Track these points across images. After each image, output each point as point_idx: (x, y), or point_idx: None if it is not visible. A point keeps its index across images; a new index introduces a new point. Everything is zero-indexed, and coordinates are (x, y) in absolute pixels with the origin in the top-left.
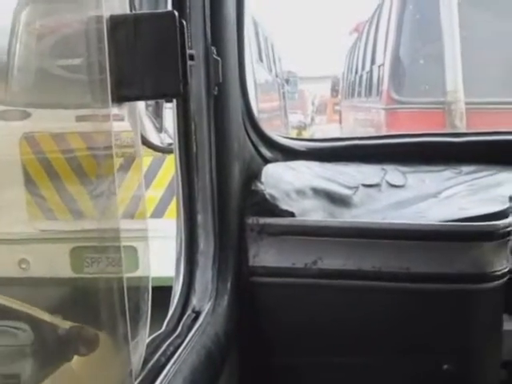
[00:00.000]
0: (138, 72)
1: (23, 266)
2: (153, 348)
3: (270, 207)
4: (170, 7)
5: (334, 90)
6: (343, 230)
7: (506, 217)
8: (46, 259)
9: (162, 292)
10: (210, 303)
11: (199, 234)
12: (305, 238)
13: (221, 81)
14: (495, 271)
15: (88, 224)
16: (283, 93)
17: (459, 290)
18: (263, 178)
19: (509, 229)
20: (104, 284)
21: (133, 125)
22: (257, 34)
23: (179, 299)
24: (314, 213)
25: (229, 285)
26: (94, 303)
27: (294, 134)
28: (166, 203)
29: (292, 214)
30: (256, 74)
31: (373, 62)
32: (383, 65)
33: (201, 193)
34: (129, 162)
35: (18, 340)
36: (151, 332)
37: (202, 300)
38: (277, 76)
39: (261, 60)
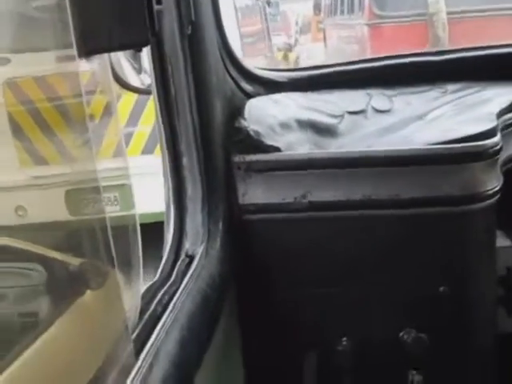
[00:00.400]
0: (103, 23)
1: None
2: (148, 298)
3: (255, 143)
4: None
5: (317, 9)
6: (330, 161)
7: (495, 135)
8: (42, 204)
9: (158, 227)
10: (202, 246)
11: (186, 178)
12: (292, 172)
13: (194, 19)
14: (486, 191)
15: (78, 166)
16: (265, 15)
17: (451, 213)
18: (246, 114)
19: (498, 147)
20: (97, 225)
21: (104, 75)
22: None
23: (172, 245)
24: (300, 145)
25: (220, 226)
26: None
27: (279, 55)
28: (155, 139)
29: (278, 149)
30: None
31: None
32: None
33: (183, 135)
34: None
35: (32, 280)
36: (149, 270)
37: (194, 244)
38: None
39: None
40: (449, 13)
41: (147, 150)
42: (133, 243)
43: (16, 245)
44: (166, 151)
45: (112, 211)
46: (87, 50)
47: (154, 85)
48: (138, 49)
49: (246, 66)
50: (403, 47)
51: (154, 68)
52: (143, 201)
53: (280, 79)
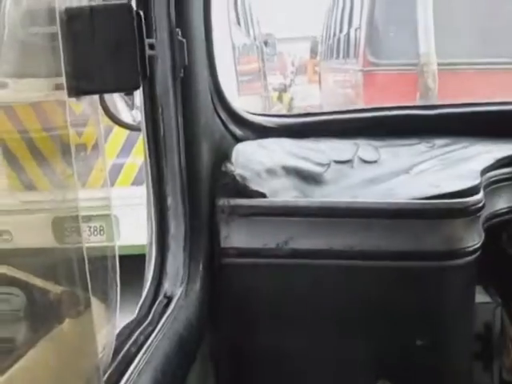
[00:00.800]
0: (96, 66)
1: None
2: (124, 337)
3: (240, 188)
4: None
5: (314, 52)
6: (313, 209)
7: (478, 192)
8: (29, 230)
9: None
10: (181, 287)
11: (169, 218)
12: (276, 218)
13: (187, 63)
14: (467, 247)
15: (68, 194)
16: (262, 55)
17: (431, 267)
18: (233, 158)
19: (480, 204)
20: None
21: (93, 115)
22: None
23: (151, 284)
24: (285, 192)
25: (200, 268)
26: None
27: (274, 96)
28: None
29: (263, 195)
30: (234, 37)
31: (350, 24)
32: (360, 28)
33: (170, 176)
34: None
35: (11, 305)
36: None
37: (173, 285)
38: (255, 39)
39: (238, 23)
40: (439, 64)
41: (137, 182)
42: (111, 277)
43: None
44: (151, 190)
45: (97, 241)
46: (78, 91)
47: (143, 124)
48: (128, 92)
49: (236, 109)
50: (394, 94)
51: (145, 108)
52: (131, 232)
53: (269, 124)
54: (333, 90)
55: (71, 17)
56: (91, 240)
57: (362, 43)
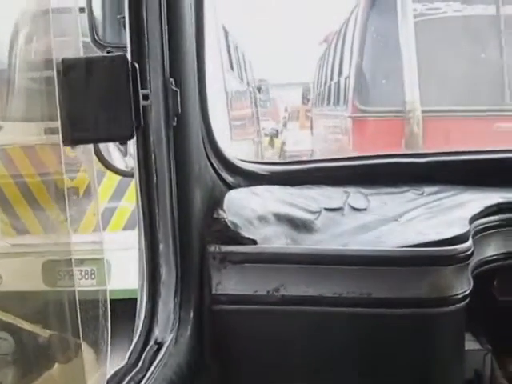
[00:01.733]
0: (91, 115)
1: None
2: (114, 383)
3: (232, 235)
4: (128, 35)
5: (305, 98)
6: (304, 256)
7: (466, 240)
8: (19, 273)
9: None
10: (172, 334)
11: (161, 264)
12: (267, 265)
13: (180, 111)
14: (456, 295)
15: (61, 238)
16: (255, 100)
17: (421, 314)
18: (225, 205)
19: (469, 252)
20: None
21: (87, 161)
22: (227, 43)
23: (142, 330)
24: (276, 239)
25: (191, 314)
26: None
27: (266, 141)
28: None
29: (254, 242)
30: (227, 82)
31: (340, 73)
32: (349, 77)
33: (162, 222)
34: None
35: (0, 349)
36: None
37: (164, 331)
38: (248, 84)
39: (231, 69)
40: (423, 111)
41: (129, 226)
42: (102, 322)
43: None
44: (142, 236)
45: (88, 285)
46: (73, 139)
47: (136, 171)
48: (122, 141)
49: (228, 156)
50: (381, 139)
51: (138, 155)
52: (121, 276)
53: (261, 171)
54: (324, 136)
55: (68, 67)
56: (82, 284)
57: (351, 91)
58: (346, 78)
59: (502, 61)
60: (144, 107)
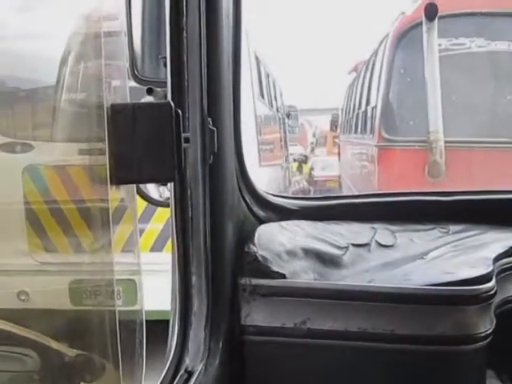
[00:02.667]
0: (136, 158)
1: (22, 297)
2: None
3: (262, 268)
4: (169, 75)
5: (334, 125)
6: (331, 292)
7: (490, 280)
8: (46, 291)
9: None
10: (202, 363)
11: (193, 295)
12: (294, 299)
13: (216, 150)
14: (478, 333)
15: (86, 257)
16: (284, 127)
17: (443, 351)
18: (256, 240)
19: (492, 292)
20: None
21: (130, 202)
22: (259, 71)
23: (173, 359)
24: (304, 273)
25: (221, 344)
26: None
27: (294, 166)
28: (165, 237)
29: (283, 276)
30: (257, 110)
31: (367, 103)
32: (376, 107)
33: (195, 255)
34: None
35: (26, 366)
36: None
37: (194, 360)
38: (278, 111)
39: (262, 96)
40: (446, 142)
41: (156, 248)
42: (137, 343)
43: (11, 329)
44: (176, 268)
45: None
46: (118, 180)
47: (172, 204)
48: (163, 183)
49: (260, 192)
50: (406, 168)
51: (175, 190)
52: (149, 298)
53: (291, 206)
54: (351, 162)
55: (115, 112)
56: (107, 304)
57: (378, 121)
58: (373, 108)
59: None
60: (184, 150)
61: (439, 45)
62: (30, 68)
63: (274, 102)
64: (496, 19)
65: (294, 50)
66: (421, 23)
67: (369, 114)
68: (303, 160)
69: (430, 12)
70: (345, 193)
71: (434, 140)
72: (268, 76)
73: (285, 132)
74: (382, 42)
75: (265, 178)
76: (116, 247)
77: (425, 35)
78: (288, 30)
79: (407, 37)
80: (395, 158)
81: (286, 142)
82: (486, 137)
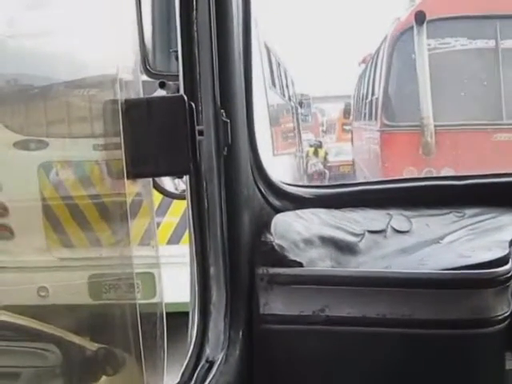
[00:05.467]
0: (151, 151)
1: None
2: None
3: (279, 257)
4: (181, 69)
5: (347, 113)
6: (348, 278)
7: (507, 263)
8: (65, 287)
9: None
10: (222, 352)
11: (211, 286)
12: (312, 286)
13: (230, 142)
14: (496, 316)
15: (104, 252)
16: (296, 115)
17: (461, 335)
18: (272, 229)
19: (509, 275)
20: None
21: (146, 196)
22: (270, 60)
23: (193, 349)
24: (321, 261)
25: (240, 333)
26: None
27: (310, 151)
28: (181, 230)
29: (300, 264)
30: (269, 98)
31: (373, 93)
32: (378, 98)
33: (212, 246)
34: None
35: (48, 361)
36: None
37: (215, 350)
38: (290, 99)
39: (273, 85)
40: (436, 125)
41: (173, 241)
42: (158, 335)
43: (32, 325)
44: (194, 260)
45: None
46: (135, 174)
47: (188, 197)
48: (179, 176)
49: (275, 181)
50: (403, 148)
51: (191, 183)
52: (167, 290)
53: (306, 195)
54: (362, 147)
55: (130, 106)
56: (126, 297)
57: (379, 109)
58: (376, 98)
59: (500, 85)
60: (199, 142)
61: (429, 44)
62: (42, 65)
63: (285, 91)
64: (476, 21)
65: (307, 38)
66: (413, 27)
67: (373, 104)
68: (319, 145)
69: (419, 18)
70: (358, 175)
71: (426, 124)
72: (279, 65)
73: (297, 121)
74: (382, 41)
75: (279, 167)
76: (134, 240)
77: (416, 37)
78: (301, 19)
79: (402, 38)
80: (395, 141)
81: (299, 130)
82: (470, 120)
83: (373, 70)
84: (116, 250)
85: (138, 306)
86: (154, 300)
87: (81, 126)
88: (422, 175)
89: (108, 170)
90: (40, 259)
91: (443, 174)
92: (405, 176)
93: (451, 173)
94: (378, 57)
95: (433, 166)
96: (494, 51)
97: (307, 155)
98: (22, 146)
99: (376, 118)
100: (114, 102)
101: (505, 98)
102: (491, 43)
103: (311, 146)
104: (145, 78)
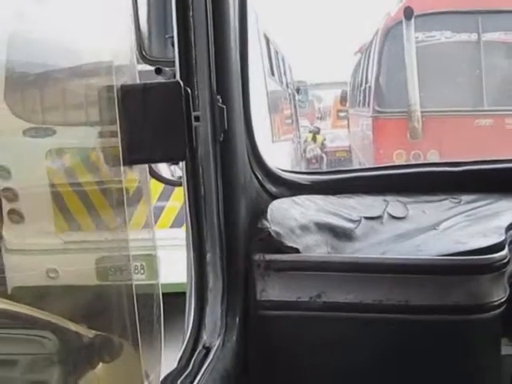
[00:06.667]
0: (147, 137)
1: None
2: None
3: (275, 244)
4: (177, 55)
5: (344, 100)
6: (345, 264)
7: (503, 249)
8: (73, 268)
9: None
10: (219, 339)
11: (208, 272)
12: (309, 273)
13: (226, 127)
14: (492, 301)
15: (108, 235)
16: (294, 102)
17: (457, 321)
18: (269, 215)
19: (505, 261)
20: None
21: (143, 180)
22: (268, 49)
23: (190, 335)
24: (317, 247)
25: (237, 320)
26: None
27: (309, 136)
28: (184, 213)
29: (297, 250)
30: (268, 86)
31: (366, 82)
32: (370, 86)
33: (209, 233)
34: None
35: (45, 348)
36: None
37: (212, 336)
38: (287, 86)
39: (272, 74)
40: (422, 111)
41: (176, 224)
42: (155, 315)
43: (29, 312)
44: (191, 246)
45: (138, 279)
46: (130, 160)
47: (184, 183)
48: (175, 162)
49: (272, 168)
50: (393, 133)
51: (187, 169)
52: (169, 272)
53: (303, 181)
54: (357, 133)
55: (126, 92)
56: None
57: (372, 97)
58: (369, 87)
59: (481, 74)
60: (195, 128)
61: (416, 37)
62: (42, 52)
63: (283, 78)
64: (459, 16)
65: (306, 27)
66: (402, 21)
67: (367, 91)
68: (317, 131)
69: (408, 13)
70: (354, 160)
71: (413, 110)
72: (277, 53)
73: (295, 107)
74: (375, 34)
75: (278, 152)
76: (138, 224)
77: (404, 31)
78: (300, 8)
79: (392, 32)
80: (385, 126)
81: (296, 117)
82: (454, 107)
83: (366, 60)
84: (120, 233)
85: (134, 288)
86: (157, 281)
87: (87, 112)
88: (410, 157)
89: (113, 156)
90: (49, 242)
91: (429, 155)
92: (394, 158)
93: (436, 155)
94: (370, 48)
95: (420, 148)
96: (476, 43)
97: (305, 141)
98: (30, 133)
99: (369, 105)
100: (110, 88)
101: (486, 86)
102: (473, 36)
103: (310, 131)
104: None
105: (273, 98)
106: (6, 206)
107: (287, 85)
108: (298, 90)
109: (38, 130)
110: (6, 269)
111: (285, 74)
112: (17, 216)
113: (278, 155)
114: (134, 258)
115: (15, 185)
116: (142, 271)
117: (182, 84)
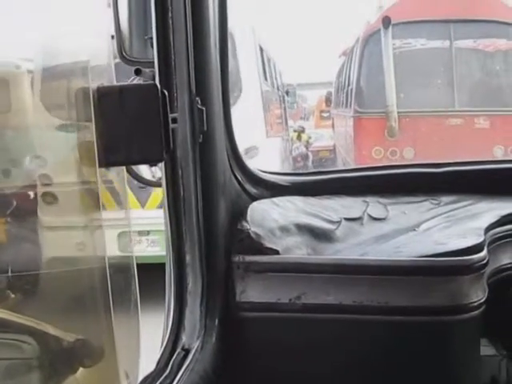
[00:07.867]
0: (124, 139)
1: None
2: None
3: (255, 245)
4: (155, 55)
5: (328, 100)
6: (325, 266)
7: (481, 250)
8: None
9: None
10: (198, 340)
11: (187, 274)
12: (289, 274)
13: (206, 129)
14: (471, 303)
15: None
16: (284, 104)
17: (437, 322)
18: (248, 217)
19: (483, 262)
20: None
21: (120, 182)
22: (262, 58)
23: (169, 337)
24: (297, 249)
25: (217, 321)
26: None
27: (295, 135)
28: None
29: (276, 252)
30: (262, 91)
31: (348, 84)
32: (352, 88)
33: (188, 234)
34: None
35: (24, 353)
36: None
37: (191, 338)
38: (278, 89)
39: (266, 79)
40: (399, 112)
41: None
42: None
43: (9, 317)
44: (170, 247)
45: (153, 251)
46: (107, 162)
47: (164, 184)
48: (152, 164)
49: (252, 169)
50: (372, 131)
51: (166, 170)
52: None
53: (283, 183)
54: (340, 133)
55: (102, 95)
56: (149, 250)
57: (353, 98)
58: (351, 89)
59: (453, 78)
60: (172, 130)
61: (394, 44)
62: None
63: (274, 82)
64: (433, 25)
65: (292, 29)
66: (380, 29)
67: (349, 93)
68: (302, 130)
69: (386, 22)
70: (338, 158)
71: (390, 111)
72: (269, 61)
73: (285, 109)
74: (356, 41)
75: (272, 145)
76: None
77: (383, 38)
78: (287, 12)
79: (371, 39)
80: (365, 125)
81: (285, 116)
82: (427, 107)
83: (349, 64)
84: (137, 211)
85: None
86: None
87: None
88: (388, 153)
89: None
90: (78, 219)
91: (405, 152)
92: (373, 154)
93: (412, 151)
94: (352, 53)
95: (396, 146)
96: (448, 50)
97: (291, 139)
98: (62, 128)
99: (351, 106)
100: (86, 89)
101: (457, 89)
102: (446, 43)
103: (295, 131)
104: None
105: (266, 100)
106: (41, 190)
107: (278, 88)
108: (287, 93)
109: (67, 125)
110: (42, 244)
111: (276, 78)
112: (51, 198)
113: (272, 148)
114: (150, 233)
115: (50, 171)
116: (157, 244)
117: (158, 86)
